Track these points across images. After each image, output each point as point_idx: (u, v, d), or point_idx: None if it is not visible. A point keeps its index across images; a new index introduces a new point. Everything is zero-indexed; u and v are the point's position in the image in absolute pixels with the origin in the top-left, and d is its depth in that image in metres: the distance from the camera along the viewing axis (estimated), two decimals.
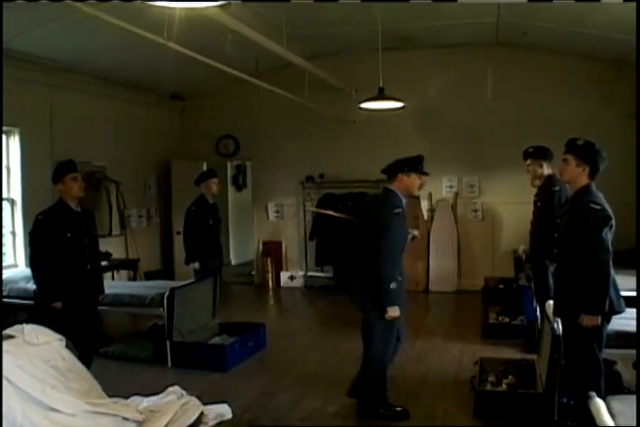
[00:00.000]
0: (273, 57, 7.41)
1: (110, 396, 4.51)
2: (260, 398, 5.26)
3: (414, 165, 4.66)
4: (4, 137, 7.55)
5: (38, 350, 4.16)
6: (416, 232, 5.11)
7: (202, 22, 5.39)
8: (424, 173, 4.71)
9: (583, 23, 7.39)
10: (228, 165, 13.20)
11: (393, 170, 4.69)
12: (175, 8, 4.77)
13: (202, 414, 4.52)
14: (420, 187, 4.80)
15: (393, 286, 4.46)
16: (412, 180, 4.66)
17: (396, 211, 4.54)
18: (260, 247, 11.10)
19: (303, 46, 8.58)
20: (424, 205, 10.10)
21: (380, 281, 4.48)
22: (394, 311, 4.51)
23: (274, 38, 6.70)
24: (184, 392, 4.76)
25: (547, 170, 6.08)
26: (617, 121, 9.09)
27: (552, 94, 9.40)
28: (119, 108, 9.46)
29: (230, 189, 13.64)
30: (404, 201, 4.69)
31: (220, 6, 4.66)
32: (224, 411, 4.67)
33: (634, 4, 6.08)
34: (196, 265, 7.42)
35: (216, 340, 6.67)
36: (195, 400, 4.63)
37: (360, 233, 4.71)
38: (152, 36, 5.40)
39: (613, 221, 3.98)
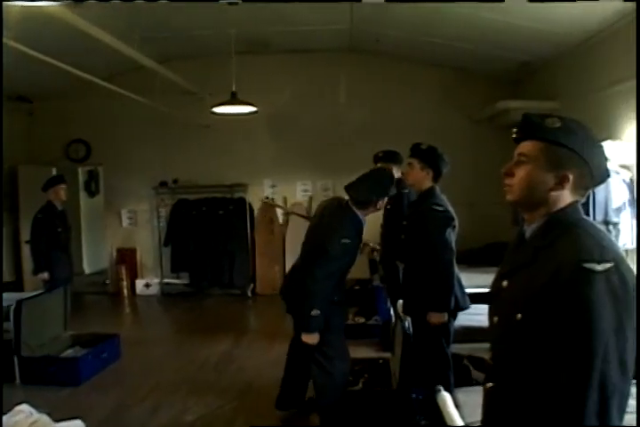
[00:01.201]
0: (124, 59, 7.24)
1: None
2: (116, 411, 5.10)
3: (386, 192, 4.35)
4: None
5: None
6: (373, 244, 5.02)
7: (49, 21, 5.18)
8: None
9: (431, 33, 7.72)
10: (80, 170, 12.62)
11: (366, 199, 4.28)
12: (15, 6, 4.55)
13: None
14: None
15: (315, 313, 4.10)
16: (380, 205, 4.38)
17: (344, 241, 4.10)
18: (114, 255, 10.78)
19: (156, 49, 8.44)
20: (279, 209, 10.17)
21: (303, 303, 4.17)
22: (307, 337, 4.22)
23: (125, 40, 6.53)
24: (33, 410, 4.50)
25: (397, 173, 6.22)
26: (464, 126, 9.57)
27: (403, 100, 9.71)
28: None
29: (82, 195, 13.08)
30: (363, 221, 4.32)
31: (66, 5, 4.51)
32: None
33: (475, 16, 6.45)
34: (45, 275, 7.11)
35: (68, 353, 6.39)
36: (45, 418, 4.39)
37: (306, 241, 4.47)
38: None
39: (456, 222, 4.19)
